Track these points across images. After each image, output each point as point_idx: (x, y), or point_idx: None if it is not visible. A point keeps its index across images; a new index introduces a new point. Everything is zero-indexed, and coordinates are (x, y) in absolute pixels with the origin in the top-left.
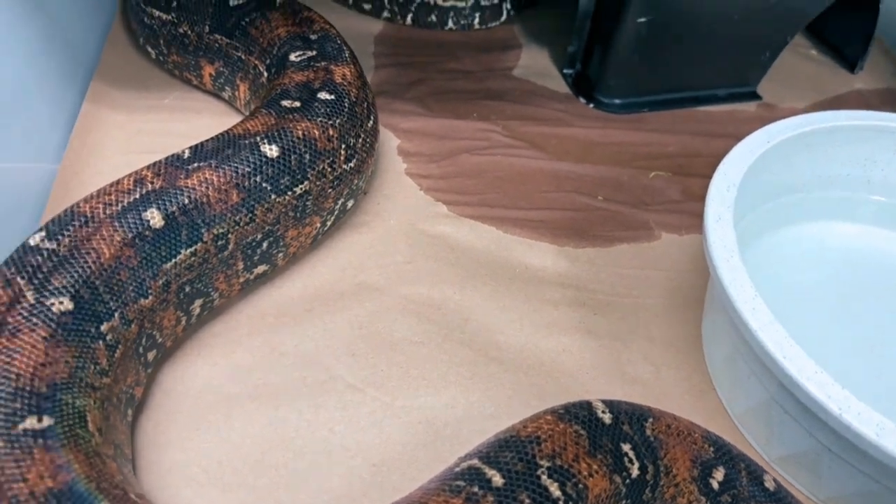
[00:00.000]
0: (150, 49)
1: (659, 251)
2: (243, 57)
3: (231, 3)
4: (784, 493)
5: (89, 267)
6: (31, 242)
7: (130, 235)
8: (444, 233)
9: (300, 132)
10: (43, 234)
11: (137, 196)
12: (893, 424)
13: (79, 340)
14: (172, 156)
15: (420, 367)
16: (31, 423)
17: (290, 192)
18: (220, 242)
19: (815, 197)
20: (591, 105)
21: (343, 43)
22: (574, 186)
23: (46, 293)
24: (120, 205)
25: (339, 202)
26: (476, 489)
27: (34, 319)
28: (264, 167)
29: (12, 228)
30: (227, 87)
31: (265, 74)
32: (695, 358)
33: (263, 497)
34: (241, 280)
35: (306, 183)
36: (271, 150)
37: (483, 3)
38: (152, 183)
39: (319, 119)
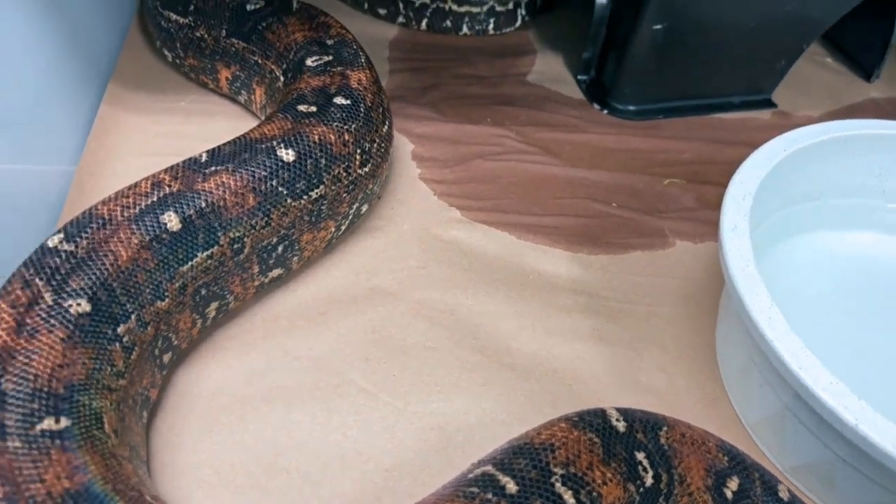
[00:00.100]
0: (166, 52)
1: (673, 259)
2: (260, 61)
3: (248, 8)
4: (798, 503)
5: (107, 269)
6: (50, 244)
7: (148, 238)
8: (457, 238)
9: (316, 137)
10: (61, 235)
11: (155, 199)
12: None
13: (96, 342)
14: (190, 159)
15: (432, 373)
16: (48, 423)
17: (305, 197)
18: (236, 246)
19: (831, 205)
20: (606, 111)
21: (359, 48)
22: (588, 193)
23: (64, 295)
24: (138, 207)
25: (354, 207)
26: (490, 496)
27: (52, 321)
28: (281, 171)
29: (30, 229)
30: (243, 91)
31: (281, 79)
32: (708, 366)
33: (276, 500)
34: (257, 283)
35: (322, 187)
36: (288, 155)
37: (498, 8)
38: (170, 186)
39: (335, 124)
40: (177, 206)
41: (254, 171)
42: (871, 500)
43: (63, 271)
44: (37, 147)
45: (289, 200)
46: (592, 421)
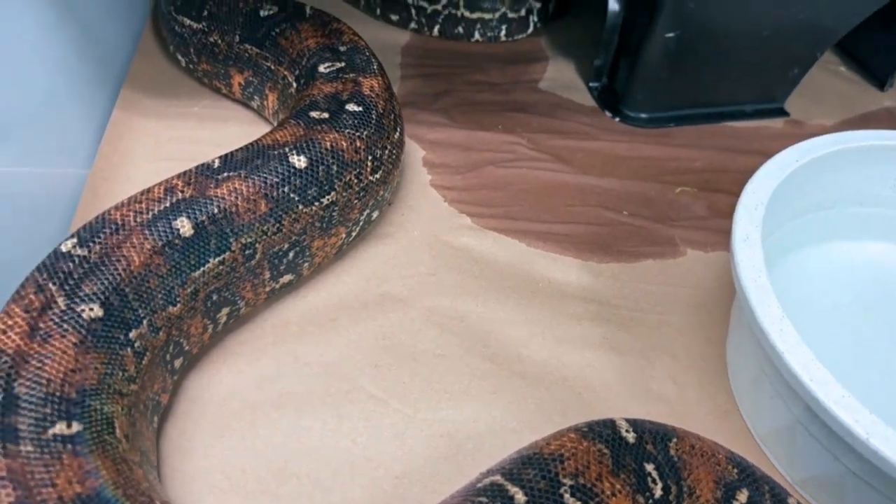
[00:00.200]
0: (180, 57)
1: (684, 268)
2: (273, 67)
3: (261, 14)
4: None
5: (119, 274)
6: (63, 249)
7: (160, 243)
8: (467, 245)
9: (328, 143)
10: (74, 240)
11: (168, 204)
12: None
13: (108, 347)
14: (202, 165)
15: (442, 380)
16: (60, 428)
17: (317, 203)
18: (247, 252)
19: (843, 215)
20: (617, 119)
21: (371, 55)
22: (599, 201)
23: (77, 299)
24: (150, 213)
25: (365, 213)
26: None
27: (65, 325)
28: (292, 178)
29: (43, 231)
30: (255, 97)
31: (294, 85)
32: (719, 376)
33: None
34: (268, 289)
35: (333, 194)
36: (300, 161)
37: (510, 15)
38: (182, 192)
39: (347, 131)
40: (189, 211)
41: (266, 178)
42: None
43: (76, 276)
44: (50, 150)
45: (300, 207)
46: (602, 432)
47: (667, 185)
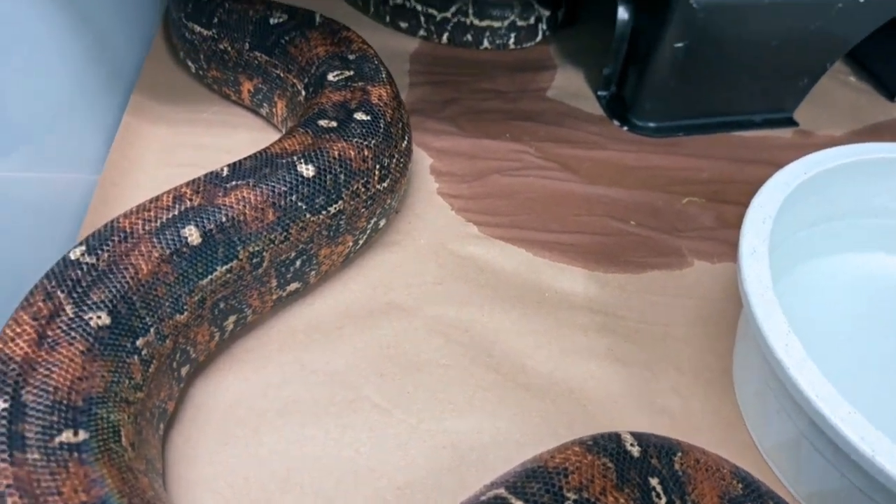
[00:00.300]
0: (190, 63)
1: (691, 279)
2: (282, 74)
3: (271, 22)
4: None
5: (127, 282)
6: (72, 256)
7: (168, 252)
8: (473, 254)
9: (336, 152)
10: (83, 248)
11: (176, 213)
12: None
13: (115, 355)
14: (211, 173)
15: (447, 390)
16: (67, 436)
17: (324, 212)
18: (255, 260)
19: (851, 227)
20: (626, 128)
21: (380, 63)
22: (606, 210)
23: (85, 307)
24: (159, 221)
25: (372, 221)
26: None
27: (73, 333)
28: (300, 187)
29: (53, 236)
30: (264, 104)
31: (303, 93)
32: (724, 389)
33: None
34: (274, 297)
35: (340, 203)
36: (308, 170)
37: (519, 23)
38: (191, 200)
39: (355, 139)
40: (197, 220)
41: (274, 187)
42: None
43: (84, 284)
44: (61, 156)
45: (308, 215)
46: (607, 445)
47: (674, 195)
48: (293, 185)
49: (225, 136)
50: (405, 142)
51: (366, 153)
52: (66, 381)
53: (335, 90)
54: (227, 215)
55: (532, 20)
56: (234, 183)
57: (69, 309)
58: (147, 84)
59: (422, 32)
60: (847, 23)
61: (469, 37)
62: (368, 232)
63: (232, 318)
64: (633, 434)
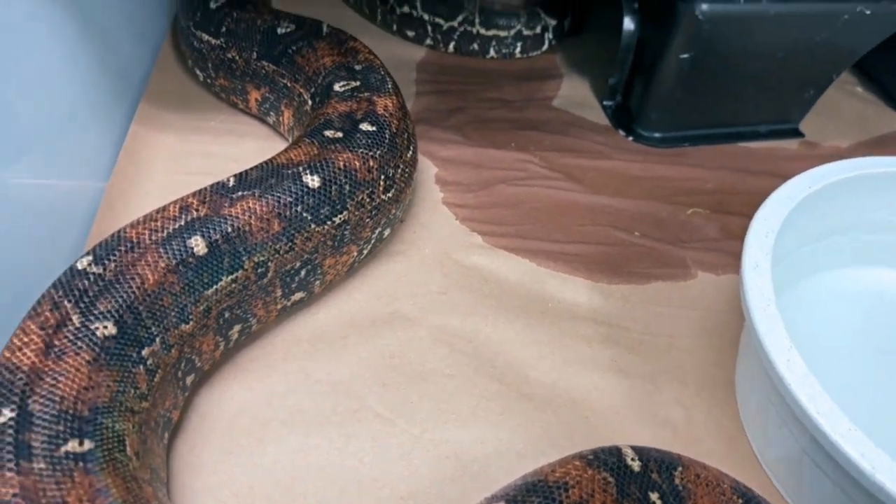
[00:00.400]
0: (198, 72)
1: (695, 290)
2: (289, 84)
3: (279, 31)
4: None
5: (133, 292)
6: (79, 266)
7: (174, 262)
8: (478, 264)
9: (341, 163)
10: (90, 258)
11: (183, 223)
12: None
13: (120, 365)
14: (217, 183)
15: (450, 400)
16: (72, 446)
17: (329, 222)
18: (260, 270)
19: (856, 241)
20: (631, 138)
21: (386, 74)
22: (610, 221)
23: (92, 317)
24: (165, 231)
25: (377, 231)
26: None
27: (79, 343)
28: (305, 197)
29: (61, 243)
30: (271, 113)
31: (309, 102)
32: (727, 402)
33: None
34: (279, 306)
35: (345, 213)
36: (313, 181)
37: (525, 32)
38: (197, 210)
39: (360, 150)
40: (204, 230)
41: (279, 197)
42: None
43: (91, 294)
44: (69, 163)
45: (313, 226)
46: (607, 459)
47: (679, 205)
48: (298, 195)
49: (232, 144)
50: (410, 152)
51: (371, 164)
52: (72, 390)
53: (341, 100)
54: (232, 226)
55: (538, 29)
56: (239, 193)
57: (76, 319)
58: (155, 92)
59: (428, 41)
60: (853, 34)
61: (475, 46)
62: (373, 242)
63: (237, 328)
64: (634, 448)
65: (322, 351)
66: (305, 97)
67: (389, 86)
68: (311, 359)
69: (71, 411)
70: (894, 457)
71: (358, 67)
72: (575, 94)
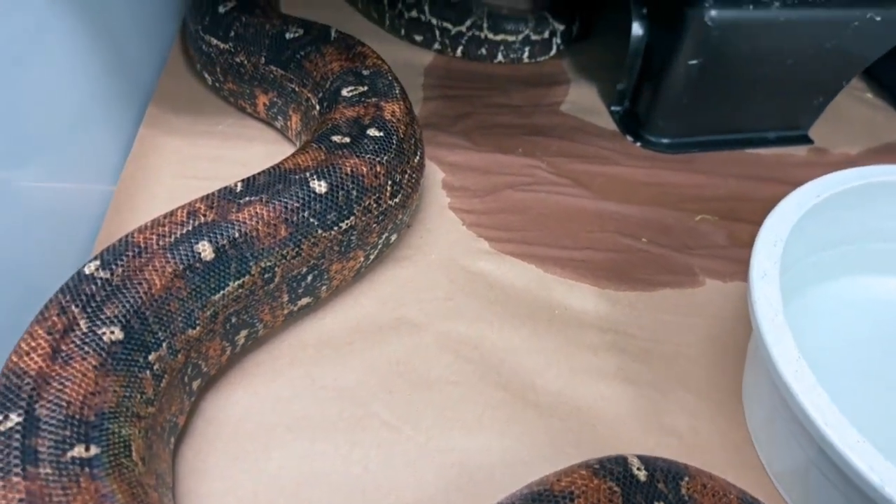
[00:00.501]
0: (206, 75)
1: (702, 298)
2: (297, 89)
3: (287, 36)
4: None
5: (140, 297)
6: (87, 271)
7: (182, 267)
8: (484, 270)
9: (348, 169)
10: (98, 262)
11: (190, 228)
12: None
13: (127, 370)
14: (225, 188)
15: (456, 408)
16: (78, 451)
17: (336, 228)
18: (266, 275)
19: (864, 250)
20: (639, 144)
21: (394, 79)
22: (618, 227)
23: (99, 322)
24: (173, 236)
25: (383, 237)
26: None
27: (86, 348)
28: (312, 203)
29: (69, 246)
30: (279, 117)
31: (317, 107)
32: (734, 411)
33: None
34: (286, 312)
35: (352, 218)
36: (320, 186)
37: (533, 37)
38: (205, 216)
39: (368, 156)
40: (211, 235)
41: (287, 203)
42: None
43: (98, 298)
44: (77, 166)
45: (319, 231)
46: (613, 469)
47: (687, 212)
48: (305, 201)
49: (240, 148)
50: (417, 157)
51: (378, 169)
52: (78, 395)
53: (349, 106)
54: (239, 231)
55: (546, 34)
56: (247, 199)
57: (83, 324)
58: (163, 96)
59: (436, 46)
60: (863, 40)
61: (483, 51)
62: (380, 247)
63: (243, 333)
64: (640, 457)
65: (328, 357)
66: (313, 102)
67: (397, 91)
68: (317, 364)
69: (77, 416)
70: None
71: (366, 72)
72: (583, 99)
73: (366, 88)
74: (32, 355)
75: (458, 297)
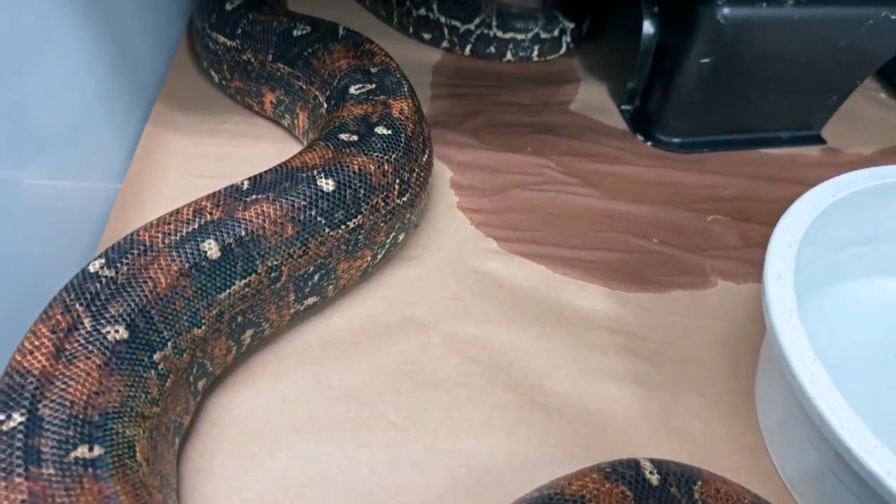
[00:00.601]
0: (213, 73)
1: (714, 299)
2: (304, 87)
3: (295, 34)
4: None
5: (146, 296)
6: (91, 269)
7: (187, 265)
8: (492, 270)
9: (356, 167)
10: (102, 261)
11: (196, 226)
12: None
13: (131, 369)
14: (231, 187)
15: (463, 409)
16: (82, 451)
17: (343, 227)
18: (273, 274)
19: (879, 251)
20: (650, 143)
21: (402, 76)
22: (628, 227)
23: (103, 321)
24: (178, 234)
25: (391, 236)
26: None
27: (90, 347)
28: (320, 201)
29: (75, 244)
30: (286, 115)
31: (325, 105)
32: (747, 414)
33: None
34: (292, 311)
35: (359, 217)
36: (327, 185)
37: (543, 35)
38: (211, 214)
39: (376, 154)
40: (217, 234)
41: (293, 201)
42: None
43: (103, 297)
44: (83, 164)
45: (327, 230)
46: (625, 473)
47: (698, 212)
48: (313, 199)
49: (247, 146)
50: (426, 156)
51: (386, 168)
52: (82, 395)
53: (357, 103)
54: (246, 229)
55: (556, 32)
56: (253, 197)
57: (87, 322)
58: (170, 94)
59: (445, 44)
60: (878, 39)
61: (492, 49)
62: (387, 246)
63: (249, 332)
64: (653, 461)
65: (334, 357)
66: (321, 100)
67: (405, 89)
68: (324, 364)
69: (81, 416)
70: None
71: (374, 70)
72: (593, 98)
73: (374, 86)
74: (36, 354)
75: (466, 297)
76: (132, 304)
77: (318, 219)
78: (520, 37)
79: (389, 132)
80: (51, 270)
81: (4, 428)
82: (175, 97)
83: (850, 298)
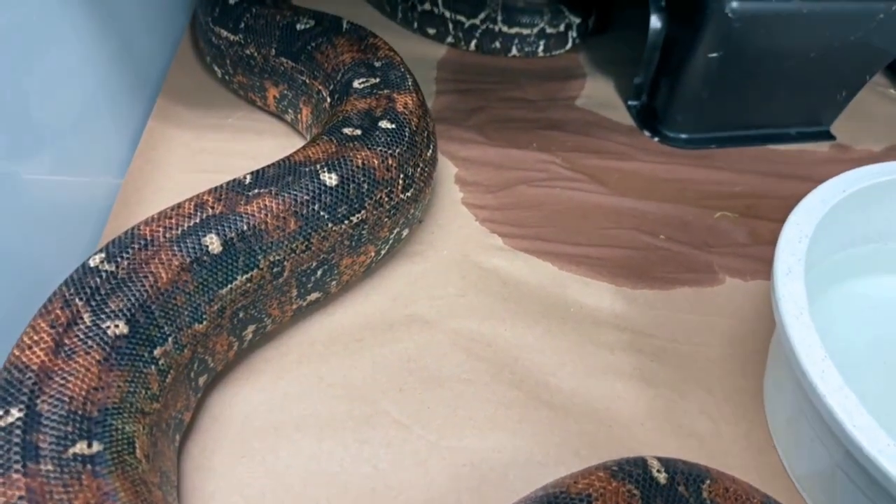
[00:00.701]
0: (216, 68)
1: (722, 296)
2: (307, 81)
3: (298, 28)
4: None
5: (146, 291)
6: (91, 263)
7: (188, 260)
8: (497, 266)
9: (360, 161)
10: (103, 255)
11: (197, 221)
12: None
13: (131, 365)
14: (233, 181)
15: (467, 407)
16: (81, 447)
17: (346, 221)
18: (275, 269)
19: (889, 248)
20: (656, 139)
21: (406, 71)
22: (635, 224)
23: (103, 316)
24: (180, 229)
25: (395, 231)
26: None
27: (90, 342)
28: (323, 195)
29: (76, 239)
30: (290, 110)
31: (328, 100)
32: (755, 413)
33: None
34: (294, 307)
35: (363, 212)
36: (331, 179)
37: (548, 30)
38: (213, 208)
39: (379, 148)
40: (219, 228)
41: (296, 195)
42: None
43: (103, 292)
44: (85, 159)
45: (330, 225)
46: (632, 471)
47: (706, 209)
48: (316, 193)
49: (250, 141)
50: (430, 151)
51: (390, 162)
52: (81, 391)
53: (360, 97)
54: (248, 224)
55: (562, 27)
56: (256, 191)
57: (87, 317)
58: (172, 88)
59: (450, 39)
60: (888, 34)
61: (497, 44)
62: (391, 242)
63: (251, 328)
64: (660, 459)
65: (337, 353)
66: (324, 94)
67: (409, 83)
68: (326, 361)
69: (80, 412)
70: None
71: (378, 64)
72: (599, 93)
73: (378, 80)
74: (35, 349)
75: (471, 293)
76: (133, 298)
77: (321, 213)
78: (525, 32)
79: (393, 126)
80: (52, 265)
81: (2, 423)
82: (178, 92)
83: (861, 295)
